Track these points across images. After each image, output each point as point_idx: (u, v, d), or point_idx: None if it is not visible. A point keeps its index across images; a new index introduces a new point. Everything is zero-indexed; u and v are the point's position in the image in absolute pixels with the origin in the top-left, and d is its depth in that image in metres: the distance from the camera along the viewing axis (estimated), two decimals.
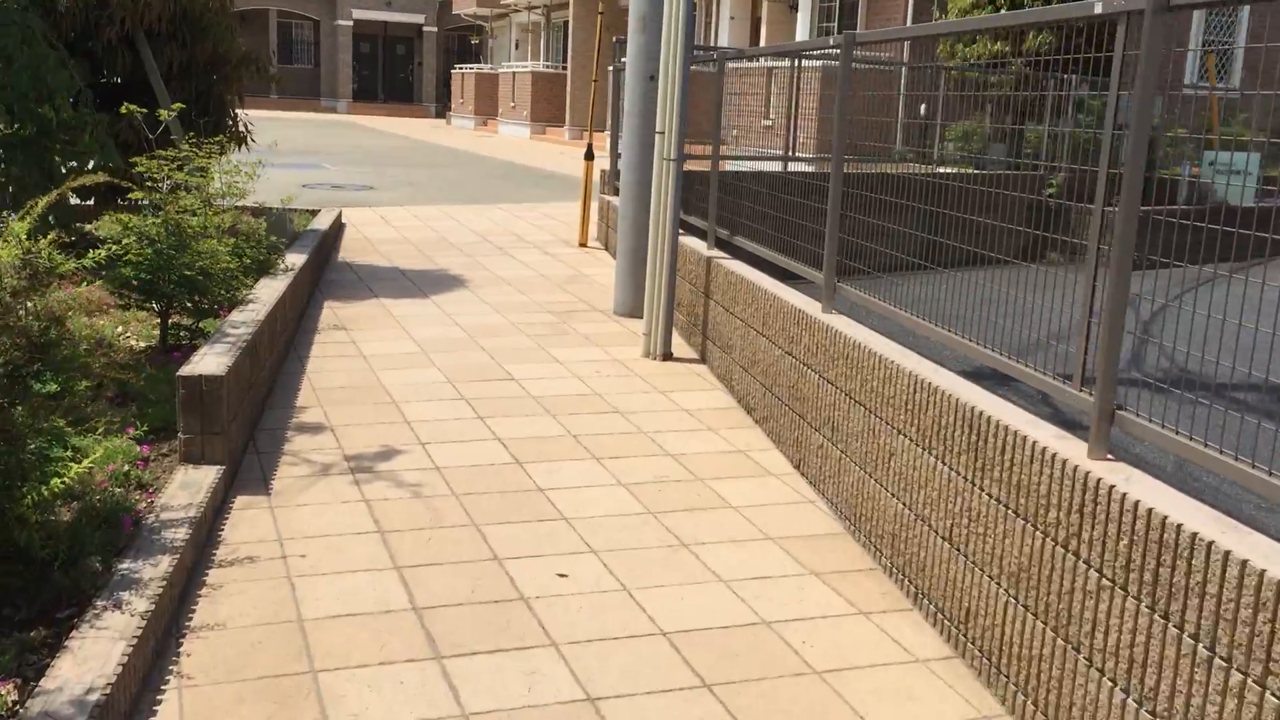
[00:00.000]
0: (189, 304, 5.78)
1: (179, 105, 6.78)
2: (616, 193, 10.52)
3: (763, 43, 21.28)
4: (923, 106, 7.55)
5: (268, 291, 6.27)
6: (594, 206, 10.72)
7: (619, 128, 10.58)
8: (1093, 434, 2.95)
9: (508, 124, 32.62)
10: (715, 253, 6.74)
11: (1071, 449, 3.01)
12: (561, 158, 22.57)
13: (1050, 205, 4.29)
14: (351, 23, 44.67)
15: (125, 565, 3.42)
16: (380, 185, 14.86)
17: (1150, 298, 3.23)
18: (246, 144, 8.92)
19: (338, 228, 10.62)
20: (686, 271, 7.02)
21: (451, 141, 27.94)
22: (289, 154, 19.69)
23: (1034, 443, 3.09)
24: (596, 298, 8.29)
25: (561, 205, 13.40)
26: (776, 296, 5.40)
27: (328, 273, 8.88)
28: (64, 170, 5.66)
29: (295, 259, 7.58)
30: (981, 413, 3.38)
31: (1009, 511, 3.21)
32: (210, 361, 4.55)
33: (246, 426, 4.92)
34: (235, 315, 5.62)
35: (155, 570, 3.40)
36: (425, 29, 45.84)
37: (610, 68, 10.56)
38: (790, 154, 9.39)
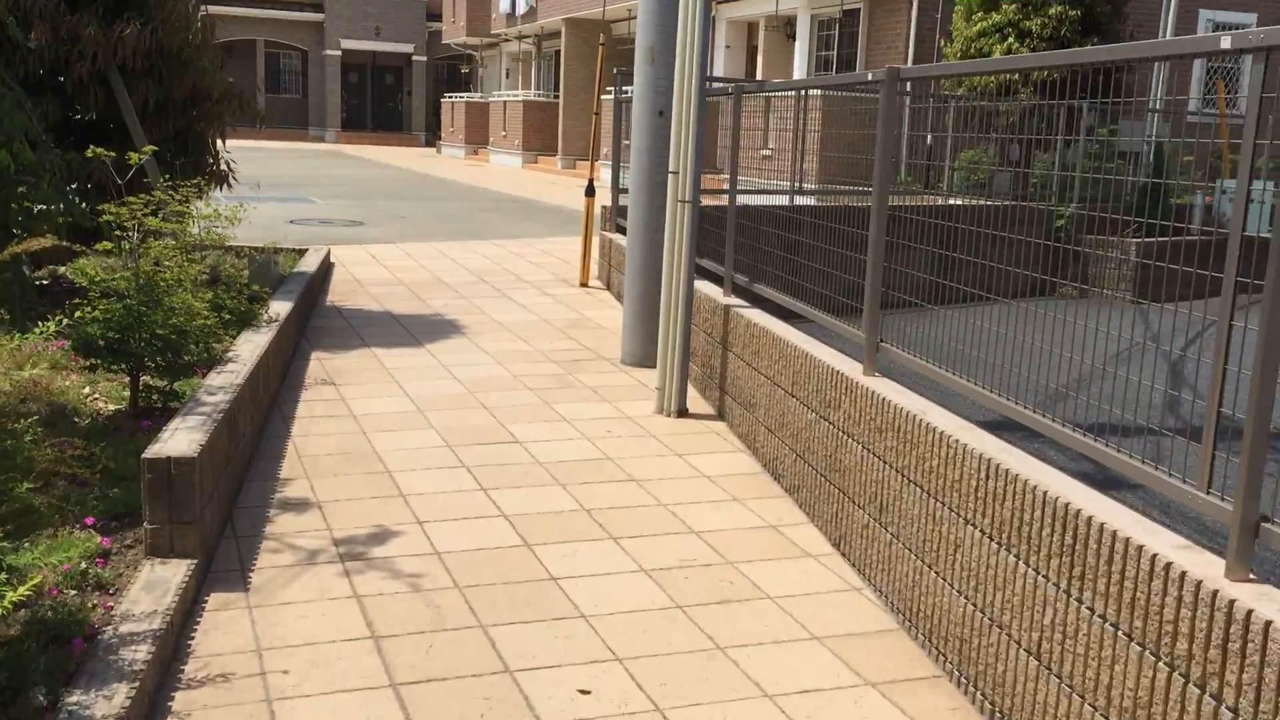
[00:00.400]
0: (161, 364, 5.27)
1: (150, 148, 6.27)
2: (619, 230, 10.07)
3: (760, 73, 20.92)
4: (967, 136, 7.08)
5: (249, 348, 5.77)
6: (594, 243, 10.25)
7: (621, 162, 10.14)
8: (1232, 550, 2.46)
9: (499, 153, 32.23)
10: (733, 300, 6.27)
11: (1202, 565, 2.52)
12: (554, 188, 22.14)
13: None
14: (340, 52, 44.34)
15: (75, 699, 2.90)
16: (370, 220, 14.39)
17: None
18: (228, 183, 8.42)
19: (326, 268, 10.13)
20: (701, 320, 6.54)
21: (442, 171, 27.52)
22: (276, 186, 19.23)
23: (1153, 555, 2.60)
24: (603, 345, 7.80)
25: (559, 241, 12.94)
26: (809, 354, 4.91)
27: (315, 318, 8.38)
28: (22, 221, 5.16)
29: (280, 307, 7.08)
30: (1079, 511, 2.89)
31: (1119, 634, 2.72)
32: (181, 440, 4.04)
33: (223, 508, 4.40)
34: (213, 378, 5.12)
35: (110, 705, 2.88)
36: (414, 58, 45.54)
37: (612, 99, 10.11)
38: (798, 186, 8.94)
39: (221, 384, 5.01)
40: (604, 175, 15.62)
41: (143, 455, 3.87)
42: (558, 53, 30.58)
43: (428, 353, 7.41)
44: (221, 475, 4.35)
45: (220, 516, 4.33)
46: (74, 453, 3.83)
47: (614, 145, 10.25)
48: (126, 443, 4.71)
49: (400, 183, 22.56)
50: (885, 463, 4.05)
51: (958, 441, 3.54)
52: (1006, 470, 3.25)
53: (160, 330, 5.14)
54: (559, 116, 28.22)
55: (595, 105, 9.89)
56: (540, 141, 30.00)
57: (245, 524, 4.48)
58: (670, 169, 6.23)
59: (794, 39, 19.78)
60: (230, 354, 5.62)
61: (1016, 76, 13.51)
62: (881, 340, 4.44)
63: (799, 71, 19.23)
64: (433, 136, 44.05)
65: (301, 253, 10.31)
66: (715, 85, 7.93)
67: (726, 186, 6.52)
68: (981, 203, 5.08)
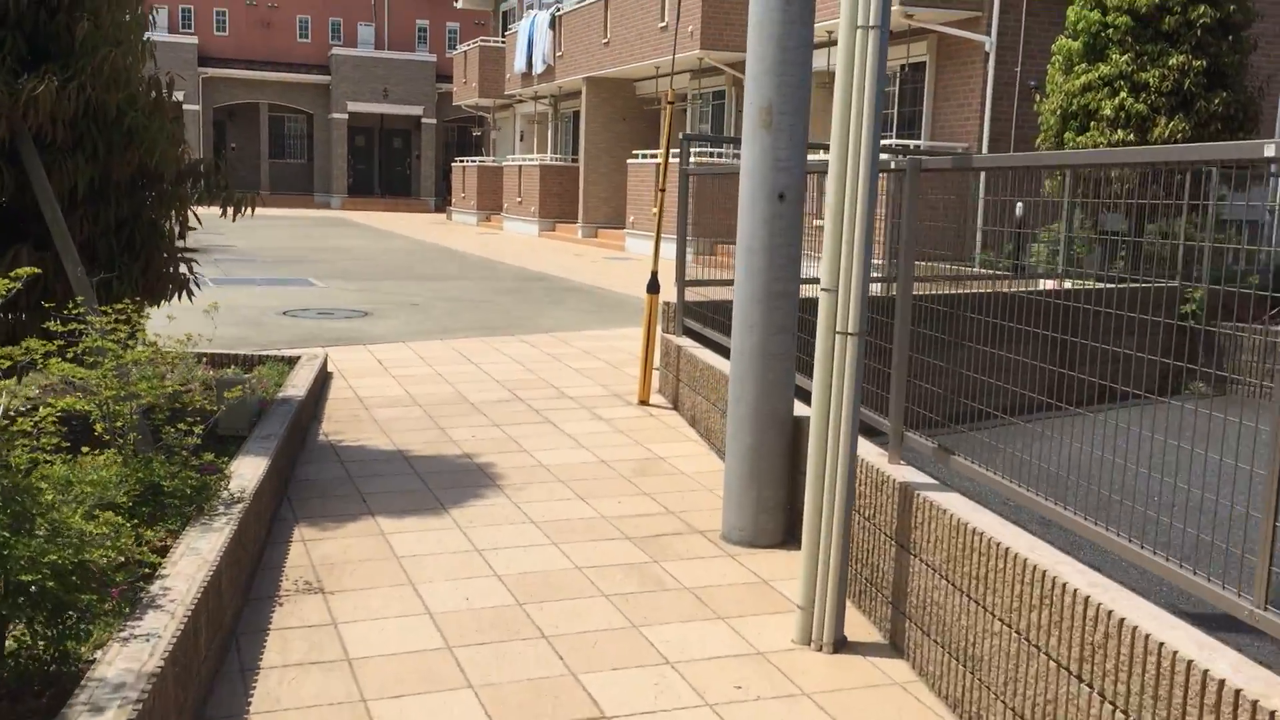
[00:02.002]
0: (38, 627, 3.23)
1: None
2: (686, 333, 8.07)
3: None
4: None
5: (188, 570, 3.74)
6: (654, 344, 8.24)
7: (686, 247, 8.17)
8: None
9: (513, 220, 30.44)
10: (910, 474, 4.23)
11: None
12: (579, 262, 20.24)
13: None
14: (346, 116, 42.88)
15: None
16: (377, 308, 12.41)
17: None
18: (189, 291, 6.44)
19: (321, 383, 8.12)
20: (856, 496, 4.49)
21: (454, 241, 25.68)
22: (273, 263, 17.34)
23: None
24: (690, 506, 5.76)
25: (599, 335, 10.94)
26: (1127, 624, 2.86)
27: (303, 463, 6.36)
28: None
29: (249, 472, 5.06)
30: None
31: None
32: None
33: None
34: (120, 651, 3.09)
35: None
36: (424, 121, 44.06)
37: (681, 169, 8.16)
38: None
39: (130, 667, 2.97)
40: (629, 243, 13.71)
41: None
42: (576, 113, 28.90)
43: (454, 525, 5.37)
44: None
45: None
46: None
47: (679, 228, 8.28)
48: None
49: (410, 257, 20.68)
50: None
51: None
52: None
53: (27, 577, 3.11)
54: (579, 181, 26.43)
55: (660, 179, 7.89)
56: (558, 208, 28.19)
57: None
58: (822, 285, 4.22)
59: None
60: (153, 593, 3.58)
61: (1131, 136, 11.58)
62: None
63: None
64: (443, 202, 42.44)
65: (292, 362, 8.32)
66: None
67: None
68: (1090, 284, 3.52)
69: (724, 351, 7.37)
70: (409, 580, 4.69)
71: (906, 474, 4.26)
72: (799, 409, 5.23)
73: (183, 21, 42.08)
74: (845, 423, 4.13)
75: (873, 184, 4.09)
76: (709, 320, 7.75)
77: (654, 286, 7.90)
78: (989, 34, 14.68)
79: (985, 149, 14.70)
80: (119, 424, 4.63)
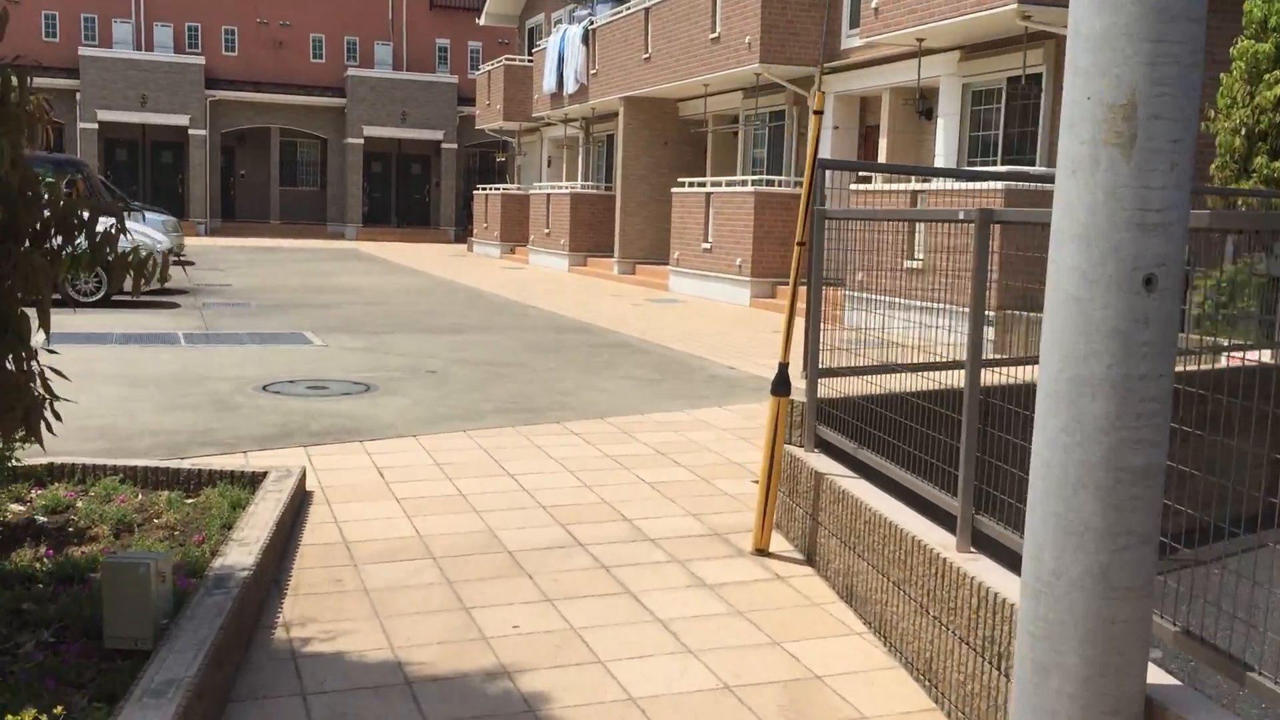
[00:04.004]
0: None
1: None
2: (820, 446, 5.55)
3: (882, 158, 16.57)
4: None
5: None
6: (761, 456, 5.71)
7: (820, 320, 5.66)
8: None
9: (540, 253, 28.03)
10: None
11: None
12: (620, 305, 17.76)
13: None
14: (362, 140, 40.67)
15: None
16: (383, 377, 9.95)
17: None
18: (47, 424, 3.94)
19: (292, 520, 5.64)
20: None
21: (477, 277, 23.27)
22: (267, 310, 14.92)
23: None
24: None
25: (670, 420, 8.43)
26: None
27: (240, 698, 3.85)
28: None
29: None
30: None
31: None
32: None
33: None
34: None
35: None
36: (444, 146, 41.82)
37: (813, 209, 5.60)
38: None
39: None
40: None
41: None
42: (611, 137, 26.52)
43: None
44: None
45: None
46: None
47: (812, 294, 5.67)
48: None
49: (427, 299, 18.24)
50: None
51: None
52: None
53: None
54: (615, 211, 23.99)
55: (800, 229, 5.23)
56: (591, 240, 25.76)
57: None
58: None
59: (930, 117, 15.45)
60: None
61: None
62: None
63: (942, 158, 14.86)
64: (464, 232, 40.18)
65: (256, 481, 5.86)
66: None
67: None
68: None
69: (887, 483, 4.87)
70: None
71: None
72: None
73: (189, 41, 39.98)
74: None
75: None
76: (863, 436, 5.23)
77: (783, 385, 5.35)
78: None
79: None
80: None
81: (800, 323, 5.49)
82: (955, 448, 4.17)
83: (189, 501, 5.75)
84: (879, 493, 4.77)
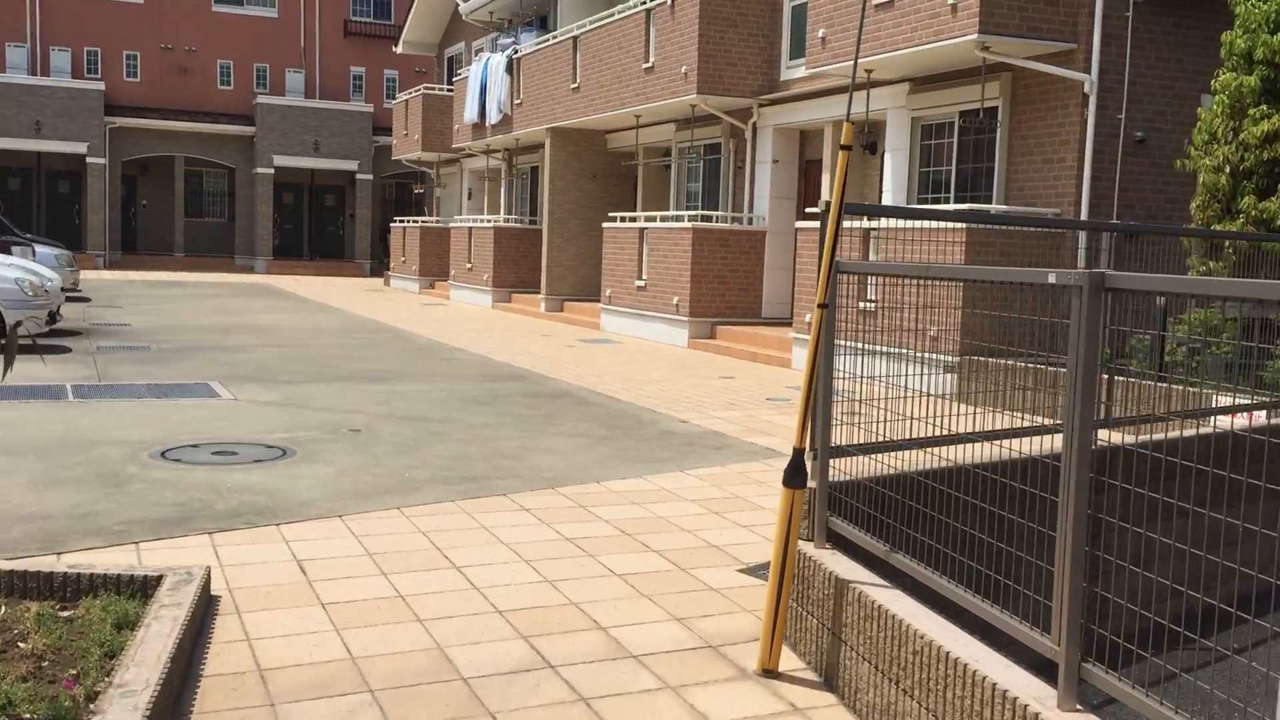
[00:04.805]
0: None
1: None
2: (832, 541, 4.70)
3: (823, 194, 15.92)
4: None
5: None
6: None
7: (830, 391, 4.82)
8: None
9: (463, 288, 26.96)
10: None
11: None
12: (553, 347, 16.81)
13: None
14: (272, 170, 39.18)
15: None
16: (302, 438, 8.87)
17: None
18: None
19: (191, 646, 4.59)
20: None
21: (397, 314, 22.12)
22: (169, 355, 13.66)
23: None
24: None
25: (632, 491, 7.52)
26: None
27: None
28: None
29: None
30: None
31: None
32: None
33: None
34: None
35: None
36: (359, 176, 40.49)
37: (829, 262, 4.72)
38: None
39: None
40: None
41: None
42: (535, 169, 25.63)
43: None
44: None
45: None
46: None
47: (821, 371, 4.79)
48: None
49: (346, 340, 17.09)
50: None
51: None
52: None
53: None
54: (542, 247, 23.05)
55: (820, 289, 4.30)
56: (516, 276, 24.80)
57: None
58: None
59: (875, 151, 14.84)
60: None
61: None
62: None
63: (890, 195, 14.25)
64: (380, 265, 38.91)
65: (149, 590, 4.81)
66: None
67: None
68: None
69: (930, 596, 4.05)
70: None
71: None
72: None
73: (88, 66, 38.13)
74: None
75: None
76: (885, 529, 4.37)
77: (798, 476, 4.43)
78: (1089, 71, 11.66)
79: (1085, 214, 11.62)
80: None
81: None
82: (1040, 542, 3.33)
83: (64, 615, 4.69)
84: (928, 614, 3.91)
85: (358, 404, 10.59)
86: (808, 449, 4.68)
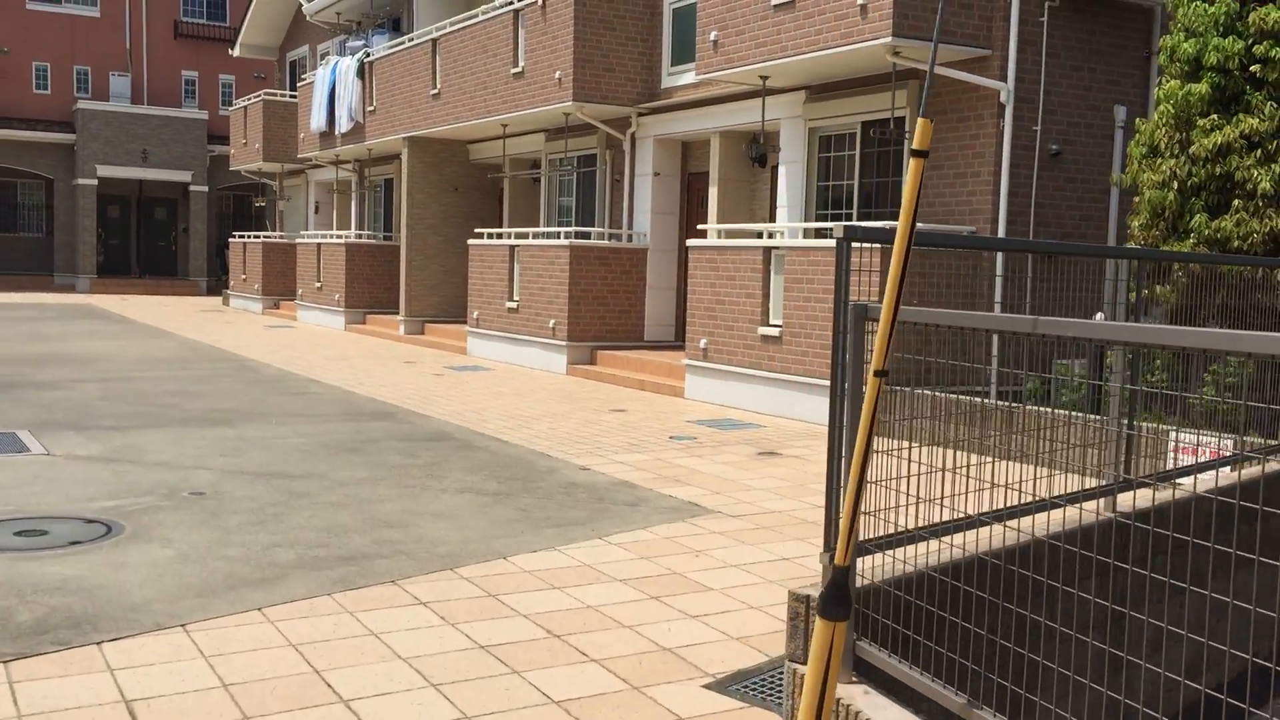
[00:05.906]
0: None
1: None
2: (856, 670, 3.55)
3: (713, 211, 14.93)
4: None
5: None
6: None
7: (863, 475, 3.66)
8: None
9: (311, 309, 25.08)
10: None
11: None
12: (418, 373, 15.32)
13: None
14: (96, 181, 36.27)
15: None
16: (130, 507, 7.30)
17: None
18: None
19: None
20: None
21: (240, 339, 20.19)
22: None
23: None
24: None
25: (547, 569, 6.24)
26: None
27: None
28: None
29: None
30: None
31: None
32: None
33: None
34: None
35: None
36: (193, 188, 37.85)
37: (846, 304, 3.57)
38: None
39: None
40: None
41: None
42: (390, 181, 23.99)
43: None
44: None
45: None
46: None
47: (844, 447, 3.63)
48: None
49: (183, 372, 15.24)
50: None
51: None
52: None
53: None
54: (400, 264, 21.45)
55: (879, 353, 3.16)
56: (370, 296, 23.12)
57: None
58: None
59: (764, 164, 13.92)
60: None
61: None
62: None
63: (785, 210, 13.33)
64: (217, 283, 36.42)
65: None
66: None
67: None
68: None
69: None
70: None
71: None
72: None
73: None
74: None
75: None
76: (937, 656, 3.26)
77: (841, 604, 3.24)
78: (1005, 80, 10.93)
79: (1003, 231, 10.89)
80: None
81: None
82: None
83: None
84: None
85: (200, 456, 9.00)
86: (824, 543, 3.53)
